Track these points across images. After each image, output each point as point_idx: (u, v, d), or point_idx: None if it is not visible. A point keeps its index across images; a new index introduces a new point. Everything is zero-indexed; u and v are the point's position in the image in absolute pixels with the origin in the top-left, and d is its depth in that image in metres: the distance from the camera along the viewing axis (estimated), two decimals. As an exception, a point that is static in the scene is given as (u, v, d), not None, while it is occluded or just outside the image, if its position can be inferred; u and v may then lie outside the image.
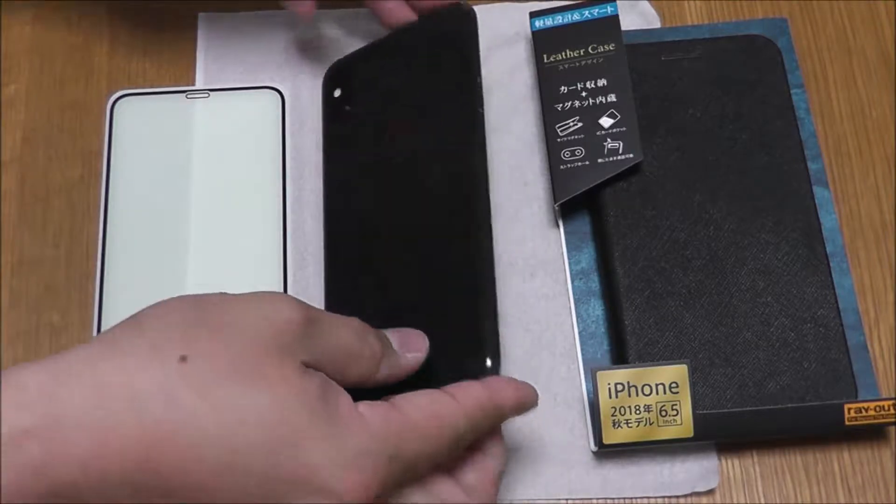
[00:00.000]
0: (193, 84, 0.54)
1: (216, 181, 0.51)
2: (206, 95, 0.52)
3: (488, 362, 0.42)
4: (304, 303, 0.37)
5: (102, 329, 0.47)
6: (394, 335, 0.41)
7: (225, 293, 0.37)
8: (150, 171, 0.51)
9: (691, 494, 0.46)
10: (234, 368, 0.34)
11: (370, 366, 0.39)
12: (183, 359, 0.33)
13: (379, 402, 0.37)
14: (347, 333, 0.38)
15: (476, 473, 0.40)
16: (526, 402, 0.41)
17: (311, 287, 0.49)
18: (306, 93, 0.53)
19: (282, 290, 0.49)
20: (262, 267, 0.49)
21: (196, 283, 0.48)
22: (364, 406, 0.36)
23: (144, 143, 0.51)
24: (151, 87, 0.53)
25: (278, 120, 0.52)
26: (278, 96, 0.52)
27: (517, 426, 0.47)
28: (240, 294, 0.37)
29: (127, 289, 0.48)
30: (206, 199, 0.50)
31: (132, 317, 0.36)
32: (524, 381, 0.41)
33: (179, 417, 0.33)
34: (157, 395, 0.33)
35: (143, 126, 0.52)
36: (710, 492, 0.47)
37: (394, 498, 0.37)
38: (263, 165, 0.51)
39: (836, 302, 0.48)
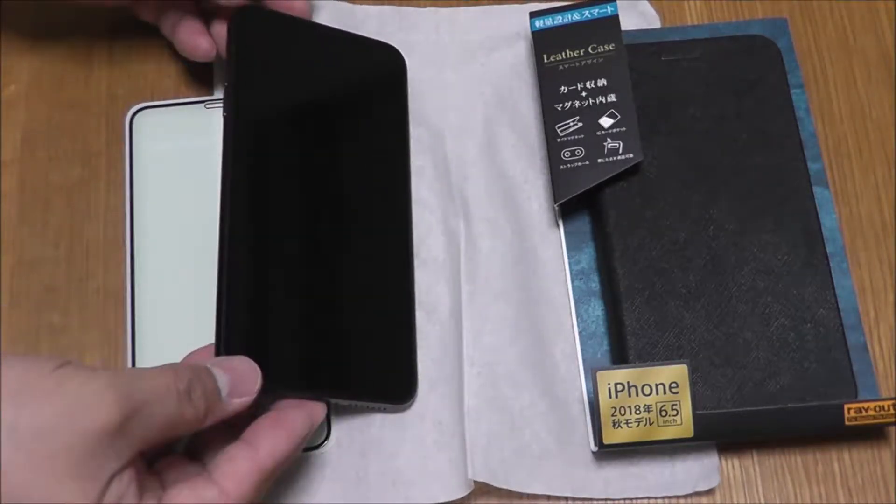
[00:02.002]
0: (197, 86, 0.53)
1: None
2: None
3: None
4: (126, 388, 0.36)
5: (137, 348, 0.47)
6: (226, 374, 0.40)
7: (54, 372, 0.35)
8: (174, 184, 0.50)
9: (692, 494, 0.46)
10: (29, 489, 0.33)
11: (193, 426, 0.39)
12: None
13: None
14: (170, 405, 0.37)
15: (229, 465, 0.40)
16: (304, 431, 0.41)
17: None
18: None
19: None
20: None
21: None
22: None
23: (166, 155, 0.51)
24: (151, 87, 0.53)
25: None
26: None
27: (517, 427, 0.47)
28: (66, 383, 0.35)
29: (159, 310, 0.48)
30: None
31: None
32: (293, 412, 0.42)
33: None
34: None
35: (163, 139, 0.51)
36: (711, 492, 0.47)
37: None
38: None
39: (836, 302, 0.48)
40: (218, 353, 0.43)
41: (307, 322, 0.46)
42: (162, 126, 0.51)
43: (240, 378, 0.41)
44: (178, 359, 0.43)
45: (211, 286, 0.47)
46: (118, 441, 0.35)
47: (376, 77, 0.53)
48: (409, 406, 0.47)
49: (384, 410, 0.47)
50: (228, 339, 0.43)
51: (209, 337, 0.43)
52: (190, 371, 0.39)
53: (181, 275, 0.49)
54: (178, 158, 0.51)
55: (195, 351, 0.44)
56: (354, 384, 0.46)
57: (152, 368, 0.38)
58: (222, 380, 0.40)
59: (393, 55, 0.53)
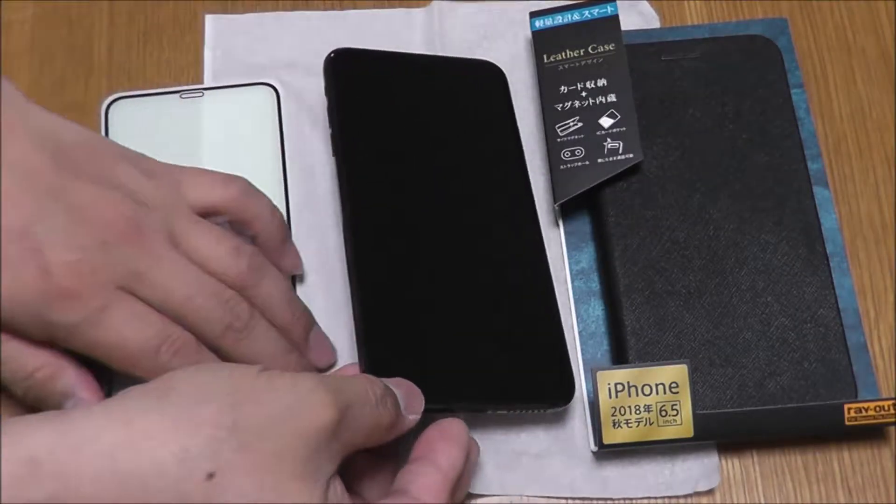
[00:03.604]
0: (197, 82, 0.53)
1: None
2: (201, 95, 0.52)
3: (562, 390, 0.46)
4: (334, 388, 0.35)
5: None
6: (399, 388, 0.40)
7: (260, 375, 0.35)
8: None
9: (692, 494, 0.46)
10: (258, 490, 0.33)
11: (385, 435, 0.38)
12: (210, 476, 0.32)
13: None
14: (370, 410, 0.37)
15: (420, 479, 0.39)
16: (466, 438, 0.41)
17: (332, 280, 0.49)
18: (317, 92, 0.52)
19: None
20: None
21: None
22: None
23: (141, 146, 0.51)
24: (151, 87, 0.53)
25: (275, 115, 0.52)
26: (273, 92, 0.52)
27: (517, 427, 0.47)
28: (276, 382, 0.35)
29: None
30: None
31: (156, 389, 0.34)
32: (452, 422, 0.41)
33: None
34: None
35: (139, 129, 0.51)
36: (711, 492, 0.47)
37: None
38: (263, 161, 0.51)
39: (836, 302, 0.48)
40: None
41: (455, 338, 0.45)
42: (137, 116, 0.51)
43: (409, 394, 0.40)
44: None
45: None
46: (333, 443, 0.35)
47: (480, 96, 0.52)
48: (568, 407, 0.47)
49: (543, 415, 0.47)
50: (374, 365, 0.42)
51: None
52: (379, 380, 0.39)
53: None
54: (153, 149, 0.50)
55: (342, 368, 0.43)
56: (513, 391, 0.45)
57: (346, 375, 0.38)
58: (399, 394, 0.40)
59: (492, 71, 0.53)
